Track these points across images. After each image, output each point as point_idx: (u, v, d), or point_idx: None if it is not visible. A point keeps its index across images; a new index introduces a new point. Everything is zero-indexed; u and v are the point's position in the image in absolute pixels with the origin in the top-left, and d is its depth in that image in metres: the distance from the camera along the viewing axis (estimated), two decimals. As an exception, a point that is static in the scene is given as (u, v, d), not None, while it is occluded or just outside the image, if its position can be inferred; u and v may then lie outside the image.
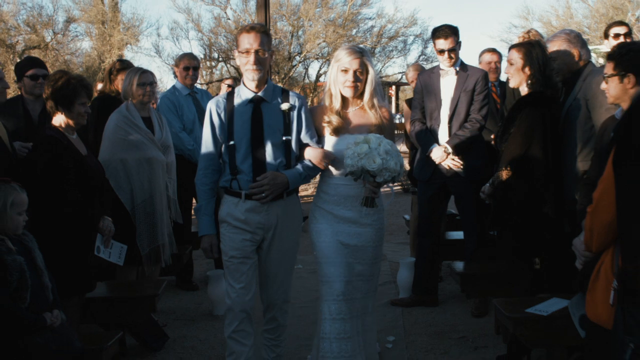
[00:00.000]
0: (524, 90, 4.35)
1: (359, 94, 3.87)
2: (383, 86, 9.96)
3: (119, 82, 5.67)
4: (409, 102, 6.89)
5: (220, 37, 18.43)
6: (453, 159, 5.49)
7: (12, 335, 3.12)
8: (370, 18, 18.74)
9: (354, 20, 17.91)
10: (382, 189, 3.80)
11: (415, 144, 6.01)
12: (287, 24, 17.20)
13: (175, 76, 6.64)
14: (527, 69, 4.28)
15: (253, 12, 16.85)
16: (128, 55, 15.67)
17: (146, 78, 5.12)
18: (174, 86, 6.59)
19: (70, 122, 4.12)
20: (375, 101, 3.87)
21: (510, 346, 4.21)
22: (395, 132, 4.52)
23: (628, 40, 5.50)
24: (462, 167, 5.48)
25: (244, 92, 3.85)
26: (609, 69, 3.23)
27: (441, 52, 5.52)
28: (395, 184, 10.18)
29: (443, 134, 5.59)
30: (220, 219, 3.87)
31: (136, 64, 7.19)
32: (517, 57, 4.30)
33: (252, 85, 3.82)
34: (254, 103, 3.81)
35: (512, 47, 4.43)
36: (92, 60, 14.05)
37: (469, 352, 4.75)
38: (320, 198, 3.96)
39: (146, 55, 20.71)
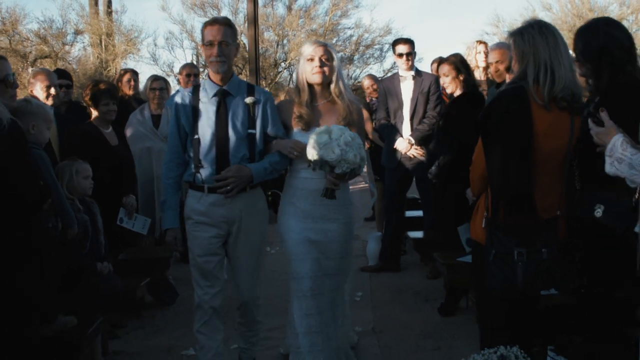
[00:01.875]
0: (457, 93, 5.52)
1: (326, 82, 3.86)
2: (358, 91, 11.02)
3: (125, 86, 7.08)
4: (366, 105, 8.04)
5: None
6: (416, 149, 6.63)
7: (76, 272, 4.24)
8: (348, 28, 19.94)
9: (334, 30, 19.22)
10: (360, 185, 4.33)
11: (378, 140, 7.19)
12: (273, 34, 18.48)
13: (179, 82, 7.78)
14: (460, 77, 5.46)
15: (242, 23, 18.05)
16: (130, 63, 16.93)
17: (156, 84, 6.41)
18: (178, 90, 7.78)
19: (100, 118, 5.29)
20: (342, 88, 3.87)
21: (448, 291, 5.38)
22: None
23: None
24: (423, 155, 6.64)
25: (209, 86, 3.84)
26: None
27: (400, 55, 6.68)
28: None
29: (406, 129, 6.72)
30: (185, 216, 3.90)
31: (138, 70, 8.39)
32: (449, 69, 5.45)
33: (217, 78, 3.81)
34: (219, 96, 3.81)
35: (442, 62, 5.59)
36: (96, 68, 15.27)
37: (422, 303, 5.87)
38: (289, 193, 3.96)
39: (146, 63, 21.78)
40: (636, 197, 2.81)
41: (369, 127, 7.54)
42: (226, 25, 3.77)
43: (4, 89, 3.59)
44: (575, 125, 3.14)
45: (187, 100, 3.87)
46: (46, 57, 14.28)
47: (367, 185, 10.90)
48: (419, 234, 6.51)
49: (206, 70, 3.83)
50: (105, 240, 4.62)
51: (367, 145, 8.37)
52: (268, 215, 4.09)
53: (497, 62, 5.41)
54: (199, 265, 3.85)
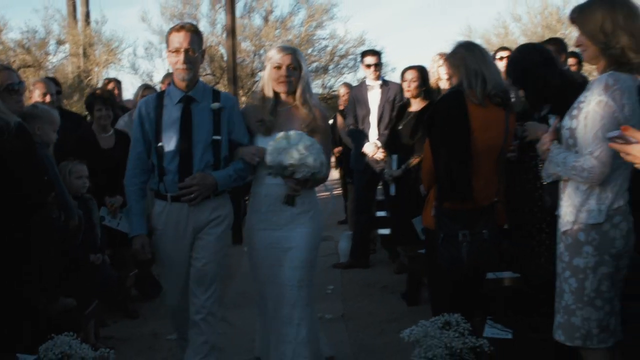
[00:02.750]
0: (415, 102, 5.95)
1: (291, 91, 3.84)
2: (333, 99, 11.48)
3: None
4: (341, 112, 8.49)
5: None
6: (382, 152, 7.12)
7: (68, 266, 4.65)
8: (323, 38, 20.47)
9: (310, 41, 19.73)
10: (320, 193, 4.00)
11: (349, 143, 7.68)
12: (250, 44, 18.94)
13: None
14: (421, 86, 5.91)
15: (219, 33, 18.53)
16: (111, 72, 17.36)
17: (147, 93, 6.83)
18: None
19: (95, 122, 5.73)
20: (307, 97, 3.84)
21: (409, 280, 5.87)
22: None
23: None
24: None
25: (174, 92, 3.77)
26: None
27: (368, 66, 7.19)
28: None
29: (373, 134, 7.19)
30: (153, 227, 3.86)
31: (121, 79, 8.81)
32: (414, 76, 5.82)
33: (182, 85, 3.74)
34: (184, 103, 3.75)
35: (407, 69, 5.94)
36: (74, 77, 15.73)
37: (388, 295, 6.34)
38: (254, 200, 3.95)
39: (127, 72, 22.26)
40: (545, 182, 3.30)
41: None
42: (192, 32, 3.71)
43: (8, 96, 4.02)
44: (510, 121, 3.69)
45: (151, 107, 3.80)
46: (29, 66, 14.68)
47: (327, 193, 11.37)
48: (387, 232, 7.00)
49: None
50: (101, 235, 5.04)
51: (336, 150, 8.87)
52: (231, 223, 3.97)
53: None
54: (168, 276, 3.92)
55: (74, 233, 4.61)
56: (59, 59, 16.40)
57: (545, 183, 3.30)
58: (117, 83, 8.01)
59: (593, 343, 2.86)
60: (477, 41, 5.22)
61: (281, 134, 3.59)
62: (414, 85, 5.85)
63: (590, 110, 2.80)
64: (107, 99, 5.83)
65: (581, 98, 2.88)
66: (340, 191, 10.53)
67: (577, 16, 2.87)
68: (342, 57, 20.34)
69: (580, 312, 2.86)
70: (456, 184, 3.59)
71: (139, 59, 20.00)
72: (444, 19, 40.08)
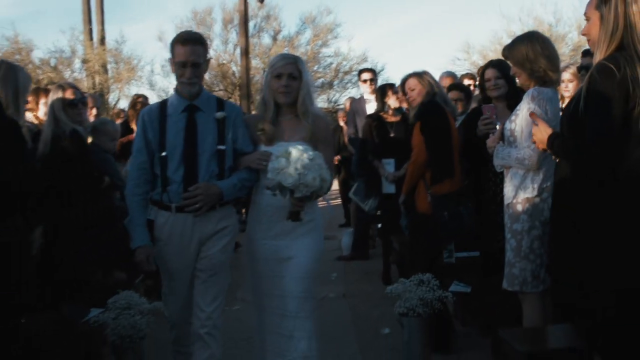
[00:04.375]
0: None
1: (292, 101, 3.77)
2: (337, 112, 12.47)
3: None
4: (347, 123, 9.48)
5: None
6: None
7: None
8: (328, 56, 21.71)
9: (315, 58, 20.96)
10: (319, 203, 3.88)
11: (351, 148, 8.67)
12: (260, 61, 20.10)
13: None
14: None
15: (231, 52, 19.71)
16: (133, 89, 18.63)
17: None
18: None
19: None
20: (308, 107, 3.77)
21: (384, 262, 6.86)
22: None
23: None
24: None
25: (178, 101, 3.73)
26: None
27: (365, 81, 8.21)
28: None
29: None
30: (156, 238, 3.72)
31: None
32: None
33: (186, 94, 3.71)
34: (189, 112, 3.70)
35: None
36: (99, 92, 17.00)
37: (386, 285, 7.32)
38: (254, 209, 3.88)
39: (146, 89, 23.47)
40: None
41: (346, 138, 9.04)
42: (198, 44, 3.68)
43: (70, 109, 4.99)
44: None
45: (154, 116, 3.73)
46: (54, 83, 15.94)
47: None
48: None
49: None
50: None
51: (335, 158, 9.82)
52: (236, 234, 3.93)
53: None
54: (171, 288, 3.80)
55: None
56: (83, 76, 17.63)
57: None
58: (145, 98, 9.01)
59: (528, 288, 3.78)
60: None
61: (282, 150, 3.52)
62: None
63: (524, 116, 3.76)
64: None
65: (517, 107, 3.85)
66: (339, 201, 11.38)
67: (508, 52, 3.88)
68: (345, 73, 21.62)
69: (519, 264, 3.79)
70: (446, 173, 4.77)
71: (155, 75, 21.19)
72: (443, 35, 41.41)
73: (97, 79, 17.66)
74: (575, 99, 2.98)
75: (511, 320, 4.02)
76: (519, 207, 3.80)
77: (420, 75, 5.20)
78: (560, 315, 3.79)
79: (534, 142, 3.32)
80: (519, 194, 3.81)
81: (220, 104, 3.85)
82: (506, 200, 3.90)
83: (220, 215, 3.73)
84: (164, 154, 3.66)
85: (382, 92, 7.00)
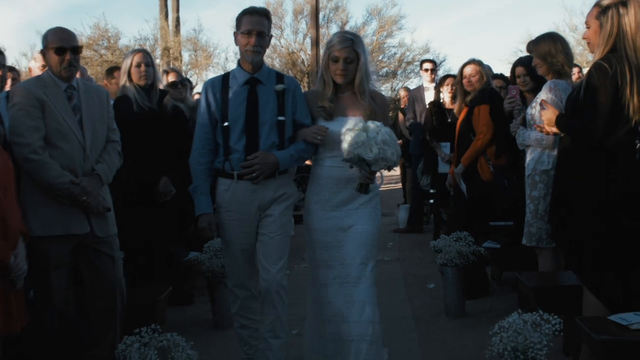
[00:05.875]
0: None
1: (349, 81, 3.82)
2: (400, 100, 13.29)
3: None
4: (402, 110, 10.40)
5: (275, 61, 22.60)
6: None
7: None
8: (393, 46, 22.53)
9: (381, 49, 21.84)
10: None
11: (407, 134, 9.55)
12: (328, 51, 21.06)
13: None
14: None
15: (301, 41, 20.78)
16: (210, 74, 19.92)
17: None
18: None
19: None
20: (365, 87, 3.82)
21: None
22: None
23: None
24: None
25: (240, 74, 3.82)
26: None
27: (426, 70, 9.06)
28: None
29: (429, 127, 9.04)
30: (217, 205, 3.87)
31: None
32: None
33: (248, 67, 3.78)
34: (250, 84, 3.79)
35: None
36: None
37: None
38: (313, 182, 3.95)
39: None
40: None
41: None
42: (265, 16, 3.78)
43: (172, 90, 6.06)
44: None
45: (217, 88, 3.84)
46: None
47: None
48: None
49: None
50: None
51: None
52: (295, 201, 4.04)
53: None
54: (233, 255, 3.88)
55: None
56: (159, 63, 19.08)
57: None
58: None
59: (543, 244, 4.65)
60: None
61: (359, 124, 3.62)
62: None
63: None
64: None
65: (537, 96, 4.71)
66: (400, 185, 12.13)
67: (533, 47, 4.74)
68: (408, 63, 22.47)
69: (536, 224, 4.65)
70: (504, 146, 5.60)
71: (230, 62, 22.48)
72: (506, 27, 41.53)
73: (176, 65, 19.12)
74: (576, 89, 3.84)
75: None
76: (537, 178, 4.66)
77: (481, 64, 5.90)
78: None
79: (542, 124, 4.18)
80: (536, 167, 4.68)
81: (280, 77, 3.93)
82: (527, 172, 4.77)
83: (279, 183, 3.84)
84: (226, 124, 3.78)
85: (441, 82, 7.90)
